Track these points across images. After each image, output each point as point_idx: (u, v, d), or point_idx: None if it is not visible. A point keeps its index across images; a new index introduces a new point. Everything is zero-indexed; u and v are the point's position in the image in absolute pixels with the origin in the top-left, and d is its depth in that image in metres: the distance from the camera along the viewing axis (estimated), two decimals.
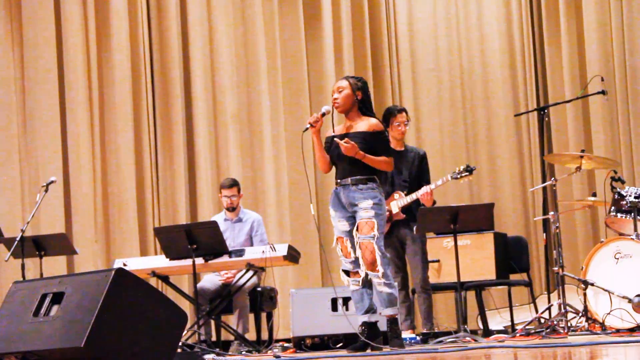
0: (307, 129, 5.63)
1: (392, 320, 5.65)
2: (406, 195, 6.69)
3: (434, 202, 6.72)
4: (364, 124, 5.69)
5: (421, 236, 6.72)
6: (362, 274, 5.66)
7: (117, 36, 8.70)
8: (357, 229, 5.60)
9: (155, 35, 8.90)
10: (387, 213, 6.54)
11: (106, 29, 8.74)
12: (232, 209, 7.41)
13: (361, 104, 5.73)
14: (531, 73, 9.49)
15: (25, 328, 4.39)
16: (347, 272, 5.74)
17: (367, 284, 5.70)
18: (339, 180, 5.70)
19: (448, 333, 6.57)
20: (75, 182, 8.51)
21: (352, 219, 5.66)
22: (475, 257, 7.34)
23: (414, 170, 6.78)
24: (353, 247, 5.66)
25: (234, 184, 7.46)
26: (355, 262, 5.67)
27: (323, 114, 5.65)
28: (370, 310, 5.69)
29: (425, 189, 6.61)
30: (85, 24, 8.65)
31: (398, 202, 6.69)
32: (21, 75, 8.55)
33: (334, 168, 5.80)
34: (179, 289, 7.12)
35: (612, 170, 6.82)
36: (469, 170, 6.65)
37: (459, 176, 6.65)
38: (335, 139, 5.67)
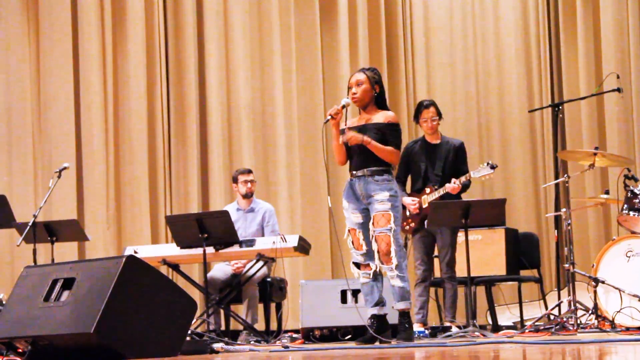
0: (327, 120, 5.63)
1: (403, 314, 5.65)
2: (437, 189, 6.65)
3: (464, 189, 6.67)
4: (381, 116, 5.71)
5: (452, 230, 6.67)
6: (374, 267, 5.66)
7: (133, 25, 8.70)
8: (373, 222, 5.59)
9: (171, 24, 8.91)
10: (418, 207, 6.55)
11: (122, 18, 8.75)
12: (250, 194, 7.43)
13: (379, 97, 5.75)
14: (546, 69, 9.46)
15: (36, 313, 4.42)
16: (357, 265, 5.74)
17: (378, 276, 5.70)
18: (354, 172, 5.70)
19: (457, 327, 6.57)
20: (88, 169, 8.53)
21: (365, 211, 5.66)
22: (486, 252, 7.33)
23: (448, 163, 6.72)
24: (365, 239, 5.66)
25: (251, 170, 7.56)
26: (366, 254, 5.67)
27: (343, 106, 5.66)
28: (380, 303, 5.69)
29: (450, 186, 6.54)
30: (102, 12, 8.66)
31: (428, 197, 6.66)
32: (36, 63, 8.58)
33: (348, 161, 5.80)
34: (189, 277, 7.14)
35: (626, 168, 6.79)
36: (492, 167, 6.56)
37: (479, 175, 6.57)
38: (351, 129, 5.68)
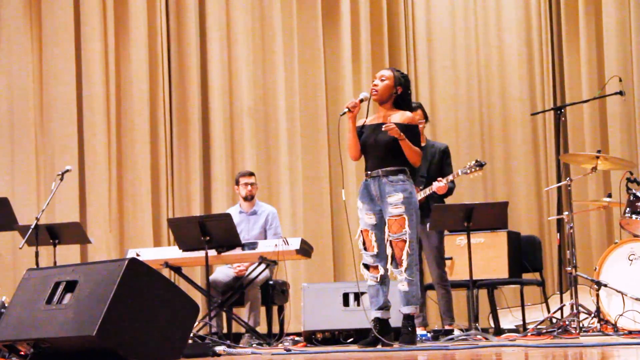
0: (344, 113, 5.63)
1: (407, 317, 5.64)
2: (423, 189, 6.66)
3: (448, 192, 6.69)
4: (399, 116, 5.70)
5: (438, 232, 6.69)
6: (382, 270, 5.65)
7: (136, 28, 8.72)
8: (388, 227, 5.58)
9: (173, 27, 8.92)
10: None
11: (124, 19, 8.76)
12: (250, 197, 7.43)
13: (399, 98, 5.73)
14: (548, 72, 9.45)
15: (38, 315, 4.41)
16: (367, 266, 5.73)
17: (386, 280, 5.69)
18: (369, 172, 5.70)
19: (459, 330, 6.57)
20: (91, 171, 8.55)
21: (380, 212, 5.65)
22: (488, 255, 7.32)
23: (433, 165, 6.73)
24: (377, 240, 5.64)
25: (252, 173, 7.54)
26: (377, 256, 5.66)
27: (361, 100, 5.66)
28: (384, 307, 5.69)
29: (436, 185, 6.56)
30: (104, 15, 8.68)
31: None
32: (39, 64, 8.59)
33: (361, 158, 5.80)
34: (191, 280, 7.13)
35: (628, 171, 6.79)
36: (480, 165, 6.59)
37: (469, 171, 6.60)
38: (368, 126, 5.67)
